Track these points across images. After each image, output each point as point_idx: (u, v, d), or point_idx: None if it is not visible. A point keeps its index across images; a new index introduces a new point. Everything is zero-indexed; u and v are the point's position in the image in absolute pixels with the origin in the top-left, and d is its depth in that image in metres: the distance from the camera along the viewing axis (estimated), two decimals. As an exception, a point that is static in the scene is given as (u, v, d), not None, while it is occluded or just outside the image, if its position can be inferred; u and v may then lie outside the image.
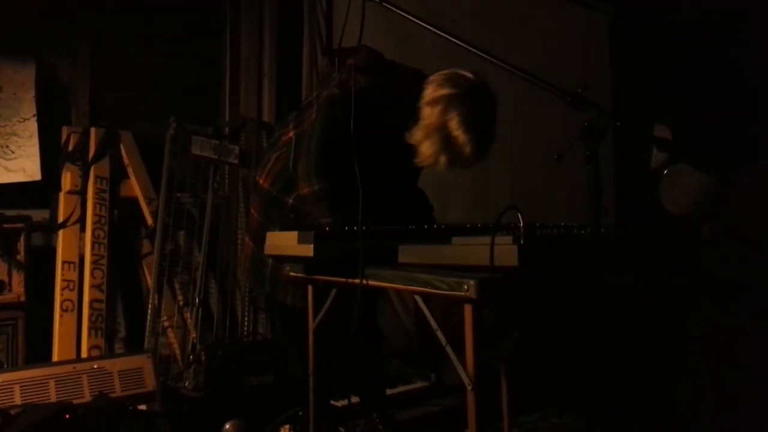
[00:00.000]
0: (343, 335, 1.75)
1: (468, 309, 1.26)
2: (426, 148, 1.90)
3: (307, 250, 1.58)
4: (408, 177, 2.23)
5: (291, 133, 2.12)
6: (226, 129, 3.40)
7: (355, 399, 2.65)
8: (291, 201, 2.06)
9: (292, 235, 1.64)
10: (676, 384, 2.02)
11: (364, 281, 1.54)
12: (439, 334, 1.35)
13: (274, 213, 2.09)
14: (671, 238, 1.70)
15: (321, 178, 1.91)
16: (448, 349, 1.33)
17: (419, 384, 3.21)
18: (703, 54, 4.06)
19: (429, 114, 1.88)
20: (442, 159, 1.88)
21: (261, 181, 2.15)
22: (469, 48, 1.52)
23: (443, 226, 1.81)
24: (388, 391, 2.65)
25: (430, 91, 1.89)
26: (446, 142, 1.85)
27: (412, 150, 1.97)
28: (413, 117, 1.92)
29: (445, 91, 1.87)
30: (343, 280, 1.62)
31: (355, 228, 1.60)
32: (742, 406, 2.09)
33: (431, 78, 1.94)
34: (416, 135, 1.91)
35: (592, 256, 1.29)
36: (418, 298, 1.41)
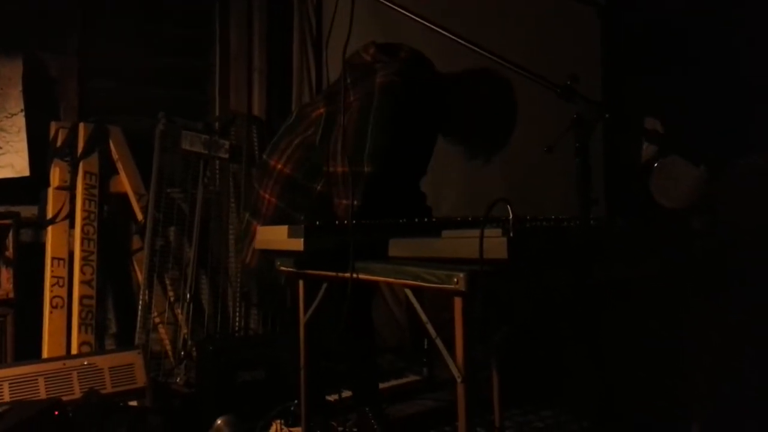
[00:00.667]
0: (337, 329, 1.75)
1: (458, 302, 1.25)
2: None
3: (297, 244, 1.57)
4: (421, 175, 2.31)
5: (322, 110, 2.09)
6: (216, 123, 3.38)
7: (346, 393, 2.66)
8: (318, 187, 2.02)
9: (282, 230, 1.63)
10: (667, 376, 2.03)
11: (355, 275, 1.53)
12: (429, 327, 1.35)
13: (299, 200, 2.05)
14: (662, 230, 1.70)
15: (374, 163, 1.89)
16: (438, 341, 1.33)
17: (411, 378, 3.21)
18: (695, 46, 4.07)
19: None
20: None
21: (279, 166, 2.08)
22: (458, 40, 1.51)
23: (434, 220, 1.81)
24: (380, 385, 2.65)
25: None
26: None
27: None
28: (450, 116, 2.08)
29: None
30: (334, 274, 1.61)
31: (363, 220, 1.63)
32: (734, 399, 2.10)
33: None
34: None
35: (581, 248, 1.29)
36: (408, 292, 1.40)
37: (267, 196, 2.11)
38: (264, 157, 2.19)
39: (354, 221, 1.59)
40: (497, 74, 2.05)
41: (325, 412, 2.31)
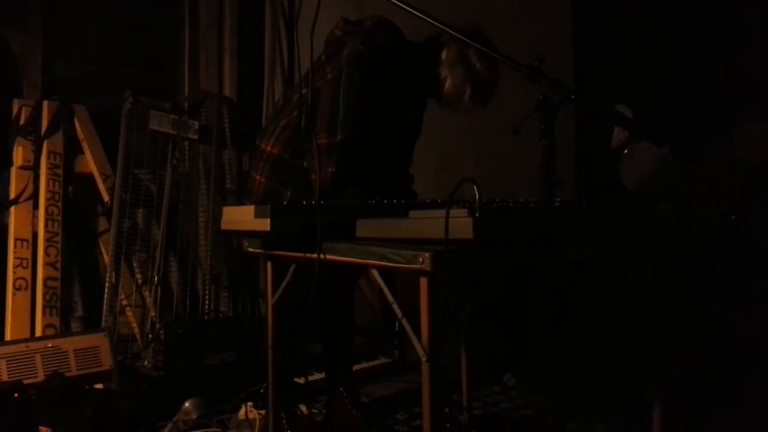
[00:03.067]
0: (312, 310, 1.78)
1: (423, 281, 1.25)
2: (451, 82, 2.11)
3: (264, 224, 1.55)
4: (408, 149, 2.35)
5: (303, 91, 2.15)
6: (186, 103, 3.32)
7: (315, 376, 2.66)
8: (305, 164, 2.09)
9: (249, 210, 1.61)
10: (630, 355, 2.07)
11: (321, 256, 1.53)
12: (395, 307, 1.35)
13: (286, 176, 2.12)
14: (627, 214, 1.72)
15: (345, 130, 1.99)
16: (404, 321, 1.33)
17: (383, 360, 3.24)
18: (666, 35, 4.11)
19: (449, 54, 2.11)
20: (468, 90, 2.11)
21: (268, 148, 2.18)
22: (428, 19, 1.50)
23: (402, 201, 1.80)
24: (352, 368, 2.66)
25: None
26: (468, 71, 2.08)
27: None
28: (426, 79, 2.14)
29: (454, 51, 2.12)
30: (301, 255, 1.60)
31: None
32: (694, 378, 2.15)
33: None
34: (442, 71, 2.12)
35: (545, 228, 1.30)
36: (375, 272, 1.40)
37: (258, 177, 2.21)
38: (256, 142, 2.27)
39: (326, 196, 1.58)
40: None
41: (292, 394, 2.31)
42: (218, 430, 2.28)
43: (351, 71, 2.03)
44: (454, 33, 1.58)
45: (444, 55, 2.12)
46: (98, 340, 2.52)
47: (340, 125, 2.00)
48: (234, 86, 3.51)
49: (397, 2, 1.65)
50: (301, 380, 2.51)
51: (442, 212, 1.26)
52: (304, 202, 1.69)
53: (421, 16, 1.47)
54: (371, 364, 3.16)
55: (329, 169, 1.98)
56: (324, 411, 2.42)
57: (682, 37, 4.05)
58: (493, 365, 2.85)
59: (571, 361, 1.58)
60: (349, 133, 1.99)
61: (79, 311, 3.03)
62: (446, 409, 2.09)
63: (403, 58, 2.14)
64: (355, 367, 2.84)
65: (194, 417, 2.28)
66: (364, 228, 1.52)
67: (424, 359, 1.25)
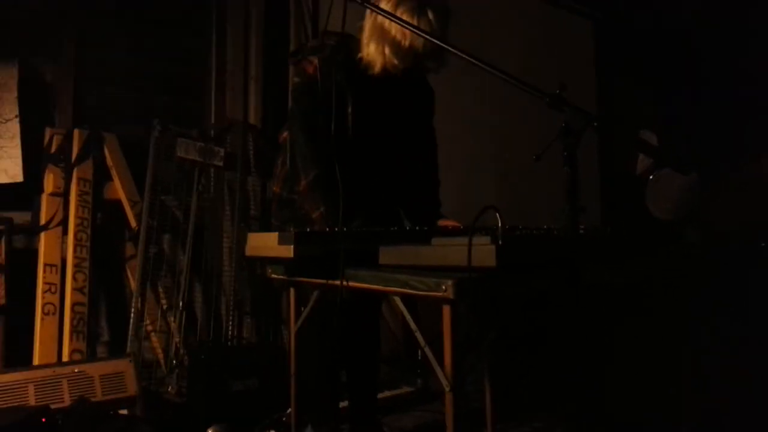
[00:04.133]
0: (338, 338, 1.77)
1: (446, 309, 1.25)
2: (372, 51, 1.95)
3: (287, 251, 1.57)
4: (410, 157, 2.22)
5: (285, 134, 2.17)
6: (212, 131, 3.38)
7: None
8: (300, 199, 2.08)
9: (273, 236, 1.63)
10: (658, 381, 2.02)
11: (345, 283, 1.53)
12: (418, 335, 1.34)
13: (286, 213, 2.12)
14: (652, 239, 1.70)
15: (312, 167, 1.95)
16: (428, 350, 1.32)
17: (405, 389, 3.21)
18: (688, 58, 4.09)
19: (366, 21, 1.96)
20: (386, 50, 1.92)
21: (275, 189, 2.19)
22: (450, 48, 1.52)
23: (425, 228, 1.80)
24: (374, 396, 2.63)
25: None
26: (382, 33, 1.91)
27: (403, 120, 2.08)
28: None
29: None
30: (324, 281, 1.61)
31: (344, 219, 1.61)
32: (725, 408, 2.09)
33: None
34: (365, 50, 1.97)
35: (569, 256, 1.29)
36: (397, 299, 1.40)
37: (273, 220, 2.23)
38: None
39: (344, 228, 1.59)
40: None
41: (336, 421, 2.29)
42: (240, 457, 2.27)
43: (294, 108, 2.03)
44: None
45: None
46: (123, 366, 2.54)
47: (306, 163, 1.96)
48: (259, 114, 3.57)
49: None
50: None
51: (464, 240, 1.26)
52: (327, 230, 1.70)
53: (441, 44, 1.48)
54: (394, 392, 3.13)
55: (320, 209, 1.93)
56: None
57: (708, 60, 4.02)
58: (518, 393, 2.80)
59: (597, 388, 1.54)
60: (317, 167, 1.93)
61: (105, 336, 3.06)
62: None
63: (343, 62, 2.00)
64: (379, 396, 2.82)
65: (217, 444, 2.28)
66: (387, 255, 1.52)
67: (447, 389, 1.24)
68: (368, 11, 1.93)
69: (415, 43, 1.89)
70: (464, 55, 1.41)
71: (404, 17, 1.81)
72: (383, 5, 1.86)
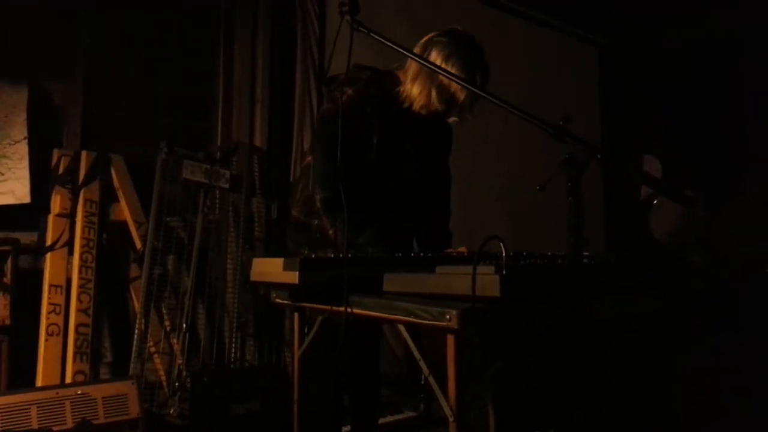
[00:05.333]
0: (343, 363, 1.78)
1: (450, 339, 1.25)
2: (416, 91, 2.06)
3: (293, 277, 1.57)
4: (425, 189, 2.28)
5: (309, 158, 2.23)
6: (218, 153, 3.41)
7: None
8: (317, 222, 2.12)
9: (278, 262, 1.63)
10: (663, 414, 2.01)
11: (349, 309, 1.53)
12: (422, 364, 1.34)
13: (303, 236, 2.16)
14: (659, 267, 1.70)
15: (324, 187, 2.02)
16: (431, 379, 1.32)
17: (408, 414, 3.19)
18: (691, 84, 4.12)
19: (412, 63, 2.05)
20: (433, 93, 2.03)
21: (294, 213, 2.23)
22: (454, 79, 1.54)
23: (429, 255, 1.81)
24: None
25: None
26: (431, 76, 2.01)
27: (423, 154, 2.17)
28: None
29: (424, 39, 2.08)
30: (329, 307, 1.61)
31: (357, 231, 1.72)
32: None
33: None
34: (407, 86, 2.08)
35: (574, 285, 1.29)
36: (402, 327, 1.40)
37: (288, 243, 2.26)
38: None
39: (349, 255, 1.59)
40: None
41: None
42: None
43: (319, 130, 2.12)
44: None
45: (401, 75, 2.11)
46: (126, 388, 2.53)
47: (319, 184, 2.04)
48: (264, 136, 3.60)
49: (405, 53, 1.71)
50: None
51: (469, 268, 1.27)
52: (332, 256, 1.70)
53: (447, 75, 1.50)
54: (396, 417, 3.11)
55: (330, 231, 2.03)
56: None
57: (713, 85, 4.04)
58: (523, 424, 2.78)
59: (602, 420, 1.54)
60: (328, 191, 1.99)
61: (108, 357, 3.06)
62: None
63: (375, 96, 2.10)
64: (381, 421, 2.80)
65: (218, 468, 2.26)
66: (391, 282, 1.53)
67: (451, 419, 1.23)
68: (416, 50, 2.04)
69: (459, 94, 2.02)
70: (497, 101, 1.43)
71: (453, 70, 1.94)
72: (434, 55, 2.01)
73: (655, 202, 3.67)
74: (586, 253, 1.46)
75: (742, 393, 2.19)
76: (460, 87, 1.97)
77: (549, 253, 1.84)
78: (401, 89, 2.10)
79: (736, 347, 2.29)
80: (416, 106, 2.07)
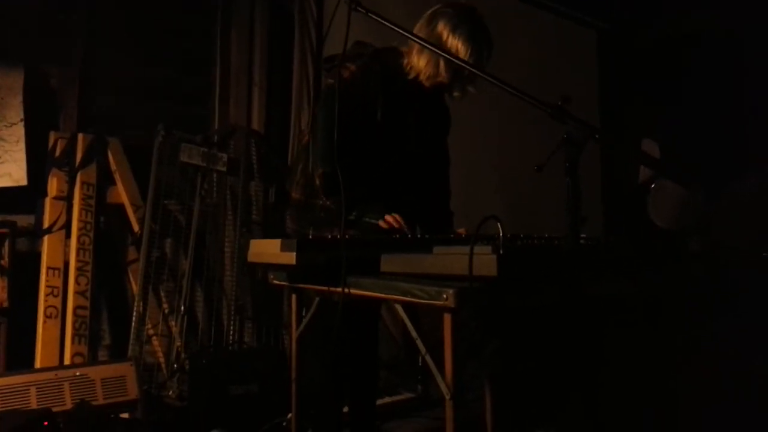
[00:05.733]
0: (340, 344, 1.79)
1: (447, 318, 1.26)
2: (423, 63, 2.05)
3: (290, 258, 1.57)
4: (426, 168, 2.28)
5: (307, 137, 2.23)
6: (215, 137, 3.40)
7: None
8: (320, 203, 2.12)
9: (275, 243, 1.63)
10: (659, 394, 2.02)
11: (346, 290, 1.54)
12: (419, 343, 1.35)
13: (307, 217, 2.15)
14: (654, 249, 1.70)
15: (325, 164, 2.02)
16: (428, 357, 1.33)
17: (406, 395, 3.21)
18: (691, 69, 4.10)
19: (418, 32, 2.02)
20: (441, 64, 2.02)
21: (294, 194, 2.22)
22: (454, 59, 1.53)
23: (426, 236, 1.81)
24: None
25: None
26: (440, 47, 1.95)
27: (425, 130, 2.16)
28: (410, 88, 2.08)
29: (429, 11, 2.07)
30: (326, 288, 1.62)
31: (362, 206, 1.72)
32: (723, 419, 2.09)
33: None
34: (413, 59, 2.06)
35: (570, 265, 1.30)
36: (399, 307, 1.41)
37: (289, 223, 2.26)
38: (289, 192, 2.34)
39: (347, 236, 1.59)
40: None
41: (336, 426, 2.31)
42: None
43: (321, 107, 2.09)
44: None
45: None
46: (125, 370, 2.54)
47: (320, 160, 2.04)
48: (262, 120, 3.58)
49: (404, 33, 1.70)
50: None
51: (466, 248, 1.27)
52: (330, 237, 1.71)
53: (446, 55, 1.49)
54: (394, 399, 3.13)
55: (328, 203, 2.04)
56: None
57: (714, 71, 4.03)
58: (519, 403, 2.80)
59: (597, 401, 1.55)
60: (328, 166, 1.99)
61: (107, 340, 3.07)
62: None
63: (377, 72, 2.10)
64: (378, 402, 2.82)
65: (217, 448, 2.28)
66: (389, 263, 1.53)
67: (447, 397, 1.24)
68: (421, 22, 2.06)
69: (469, 52, 1.99)
70: (496, 81, 1.43)
71: (460, 39, 1.95)
72: (441, 25, 2.01)
73: (653, 186, 3.67)
74: (583, 235, 1.46)
75: (741, 377, 2.21)
76: (457, 39, 1.97)
77: (546, 236, 1.84)
78: (406, 62, 2.09)
79: (735, 331, 2.31)
80: (422, 77, 2.06)
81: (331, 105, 1.99)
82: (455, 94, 2.14)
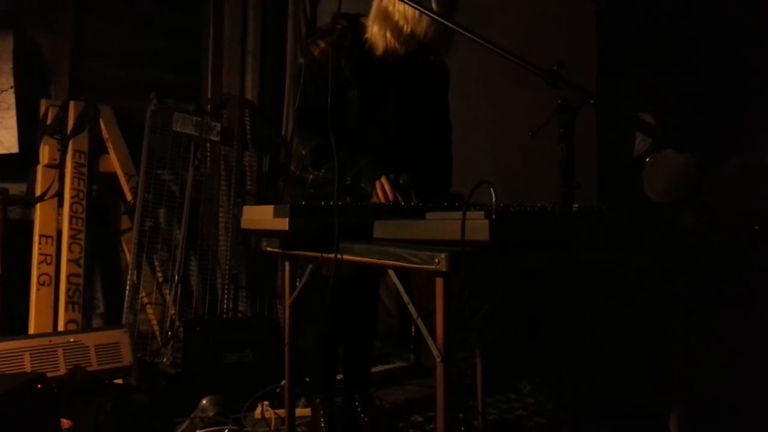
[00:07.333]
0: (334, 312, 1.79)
1: (439, 282, 1.26)
2: (375, 34, 1.97)
3: (283, 224, 1.57)
4: (420, 137, 2.22)
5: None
6: (208, 106, 3.37)
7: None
8: (311, 177, 2.10)
9: (268, 209, 1.63)
10: (647, 364, 2.05)
11: (339, 256, 1.54)
12: (411, 308, 1.35)
13: (298, 190, 2.13)
14: (646, 221, 1.71)
15: (305, 143, 2.03)
16: (420, 321, 1.34)
17: (398, 364, 3.25)
18: (689, 42, 4.07)
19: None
20: (388, 34, 1.93)
21: (292, 169, 2.20)
22: (450, 25, 1.52)
23: (419, 204, 1.81)
24: (367, 370, 2.66)
25: None
26: (386, 16, 1.92)
27: (407, 100, 2.10)
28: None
29: None
30: (319, 254, 1.62)
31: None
32: (714, 391, 2.12)
33: None
34: (371, 31, 1.98)
35: (562, 232, 1.30)
36: (392, 272, 1.41)
37: (286, 198, 2.28)
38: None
39: (339, 203, 1.59)
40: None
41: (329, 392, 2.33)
42: (235, 427, 2.30)
43: (298, 89, 2.06)
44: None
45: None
46: (119, 337, 2.56)
47: (300, 140, 2.07)
48: (256, 89, 3.55)
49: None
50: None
51: (458, 214, 1.27)
52: (323, 203, 1.70)
53: (443, 21, 1.47)
54: (387, 367, 3.17)
55: (303, 151, 2.05)
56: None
57: (712, 43, 4.00)
58: (508, 372, 2.83)
59: (586, 368, 1.57)
60: (310, 143, 2.01)
61: (101, 308, 3.08)
62: (460, 414, 2.09)
63: (349, 46, 2.03)
64: (372, 370, 2.85)
65: (211, 414, 2.31)
66: (381, 229, 1.53)
67: (438, 360, 1.25)
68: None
69: (416, 29, 1.91)
70: (467, 34, 1.41)
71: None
72: None
73: (647, 160, 3.67)
74: (576, 204, 1.46)
75: (733, 351, 2.24)
76: (416, 23, 1.87)
77: (539, 205, 1.84)
78: (367, 36, 2.01)
79: (729, 306, 2.33)
80: (379, 51, 1.98)
81: (305, 86, 2.00)
82: (432, 58, 2.07)
